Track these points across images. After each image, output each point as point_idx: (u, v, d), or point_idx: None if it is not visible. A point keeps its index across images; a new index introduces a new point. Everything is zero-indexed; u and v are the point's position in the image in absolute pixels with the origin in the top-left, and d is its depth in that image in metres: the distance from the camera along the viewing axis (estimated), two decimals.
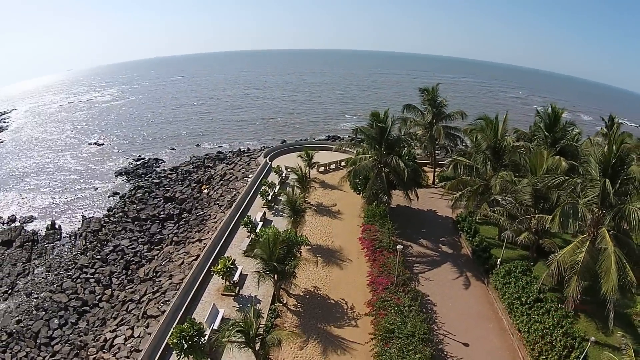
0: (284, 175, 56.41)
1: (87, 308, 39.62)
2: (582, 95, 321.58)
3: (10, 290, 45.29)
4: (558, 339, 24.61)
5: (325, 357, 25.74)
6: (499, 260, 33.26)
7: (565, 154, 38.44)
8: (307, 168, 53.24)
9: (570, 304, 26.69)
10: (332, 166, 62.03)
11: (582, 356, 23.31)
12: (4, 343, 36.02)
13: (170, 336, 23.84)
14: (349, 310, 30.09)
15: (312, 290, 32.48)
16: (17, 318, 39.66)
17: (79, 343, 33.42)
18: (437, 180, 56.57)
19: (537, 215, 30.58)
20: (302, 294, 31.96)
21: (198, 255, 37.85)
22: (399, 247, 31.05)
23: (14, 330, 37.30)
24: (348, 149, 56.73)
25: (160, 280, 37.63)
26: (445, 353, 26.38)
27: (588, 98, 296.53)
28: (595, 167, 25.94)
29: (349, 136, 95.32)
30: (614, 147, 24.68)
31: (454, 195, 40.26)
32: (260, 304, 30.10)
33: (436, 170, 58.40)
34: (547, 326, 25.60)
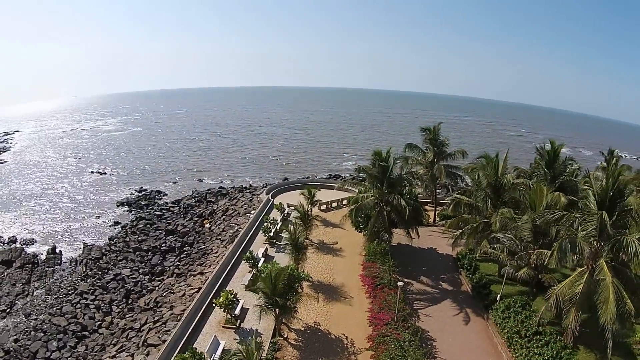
0: (286, 212, 56.74)
1: (87, 333, 39.32)
2: (584, 130, 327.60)
3: (8, 310, 45.05)
4: None
5: None
6: (499, 295, 33.53)
7: (565, 189, 39.29)
8: (309, 206, 53.88)
9: (569, 335, 26.88)
10: (334, 204, 62.54)
11: None
12: None
13: None
14: (349, 345, 30.08)
15: (313, 325, 32.52)
16: (14, 337, 39.38)
17: None
18: (437, 219, 57.14)
19: (536, 251, 30.98)
20: (302, 328, 31.99)
21: (199, 288, 38.02)
22: (399, 283, 31.37)
23: (12, 349, 36.98)
24: (350, 188, 57.55)
25: (161, 311, 37.62)
26: None
27: (589, 133, 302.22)
28: (593, 200, 26.49)
29: (350, 175, 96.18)
30: (610, 180, 25.41)
31: (455, 234, 40.72)
32: (261, 337, 30.07)
33: (437, 208, 58.98)
34: (546, 358, 25.88)
